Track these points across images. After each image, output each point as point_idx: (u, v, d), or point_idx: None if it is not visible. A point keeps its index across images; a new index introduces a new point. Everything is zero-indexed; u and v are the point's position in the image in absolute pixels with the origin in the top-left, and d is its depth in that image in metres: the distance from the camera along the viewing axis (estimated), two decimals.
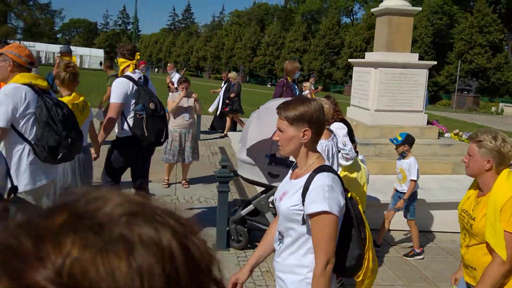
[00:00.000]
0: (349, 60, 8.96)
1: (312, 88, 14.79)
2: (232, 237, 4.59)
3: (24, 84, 3.06)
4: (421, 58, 39.51)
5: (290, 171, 2.13)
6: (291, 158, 2.20)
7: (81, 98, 3.95)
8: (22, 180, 3.04)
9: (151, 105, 4.35)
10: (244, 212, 4.52)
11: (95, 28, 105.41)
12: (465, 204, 2.47)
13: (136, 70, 4.71)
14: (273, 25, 64.17)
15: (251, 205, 4.53)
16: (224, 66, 62.15)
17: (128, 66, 4.69)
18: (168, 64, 11.55)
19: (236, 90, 11.19)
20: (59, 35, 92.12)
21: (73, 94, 3.88)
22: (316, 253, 1.85)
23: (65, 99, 3.77)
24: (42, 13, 66.37)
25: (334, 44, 52.67)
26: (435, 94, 42.81)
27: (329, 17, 55.47)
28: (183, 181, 6.78)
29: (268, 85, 53.98)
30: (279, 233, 2.02)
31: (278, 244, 2.03)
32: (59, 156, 3.11)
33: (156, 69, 71.90)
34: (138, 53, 5.72)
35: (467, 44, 38.13)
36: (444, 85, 39.60)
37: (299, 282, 1.92)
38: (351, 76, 38.39)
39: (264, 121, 4.11)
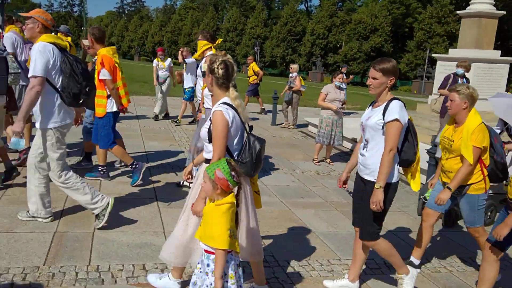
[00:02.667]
0: (433, 55, 10.52)
1: (344, 77, 16.28)
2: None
3: (50, 43, 3.79)
4: (381, 46, 41.22)
5: (370, 106, 3.32)
6: None
7: None
8: (52, 119, 3.84)
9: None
10: None
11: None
12: (445, 133, 3.76)
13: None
14: (232, 11, 64.59)
15: None
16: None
17: (210, 48, 5.94)
18: (185, 49, 10.44)
19: None
20: None
21: None
22: (385, 143, 3.05)
23: None
24: None
25: (295, 31, 54.29)
26: None
27: (290, 4, 56.84)
28: (328, 160, 8.08)
29: None
30: (366, 140, 3.24)
31: (363, 148, 3.26)
32: (81, 101, 3.97)
33: None
34: (221, 39, 7.01)
35: (427, 33, 41.44)
36: (404, 72, 42.74)
37: (376, 164, 3.12)
38: (314, 63, 39.32)
39: None
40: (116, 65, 5.21)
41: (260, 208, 3.29)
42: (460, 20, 9.68)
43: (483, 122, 3.58)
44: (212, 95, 3.03)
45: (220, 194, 2.46)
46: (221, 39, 6.99)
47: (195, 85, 7.48)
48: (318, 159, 7.99)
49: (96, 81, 5.12)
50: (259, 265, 3.24)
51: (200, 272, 2.52)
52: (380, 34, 44.26)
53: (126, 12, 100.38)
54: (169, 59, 10.99)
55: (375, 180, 3.12)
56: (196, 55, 6.28)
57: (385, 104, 3.14)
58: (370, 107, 3.34)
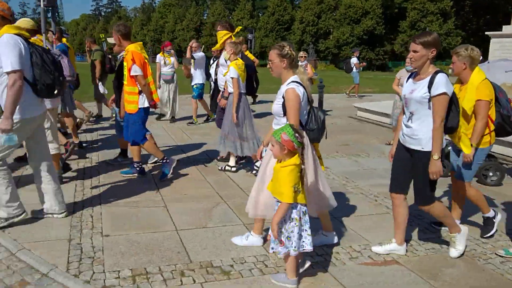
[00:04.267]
0: (487, 33, 10.74)
1: (357, 62, 16.35)
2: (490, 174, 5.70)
3: (15, 34, 3.54)
4: (373, 29, 41.92)
5: (412, 79, 3.39)
6: None
7: (242, 61, 5.65)
8: (23, 112, 3.58)
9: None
10: None
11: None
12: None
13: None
14: (216, 5, 64.32)
15: None
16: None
17: (230, 37, 6.18)
18: (194, 44, 9.37)
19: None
20: None
21: (239, 59, 5.62)
22: (435, 116, 3.15)
23: (234, 62, 5.53)
24: None
25: (283, 20, 54.41)
26: (383, 63, 46.58)
27: None
28: None
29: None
30: (410, 113, 3.31)
31: (408, 120, 3.35)
32: (55, 92, 3.75)
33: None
34: (240, 26, 7.16)
35: (420, 12, 41.99)
36: (399, 52, 43.33)
37: (422, 133, 3.26)
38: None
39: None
40: (146, 60, 5.12)
41: (324, 171, 3.67)
42: None
43: (486, 78, 3.82)
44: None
45: (287, 155, 2.87)
46: (240, 27, 7.13)
47: (215, 80, 7.00)
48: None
49: (126, 78, 5.10)
50: (327, 215, 3.71)
51: None
52: (372, 17, 44.68)
53: (103, 14, 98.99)
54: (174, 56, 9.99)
55: (422, 149, 3.27)
56: (218, 45, 6.43)
57: (429, 77, 3.21)
58: (411, 80, 3.41)
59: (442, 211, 3.53)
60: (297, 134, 2.85)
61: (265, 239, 3.66)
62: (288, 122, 3.18)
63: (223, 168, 5.98)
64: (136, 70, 4.99)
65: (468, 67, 3.78)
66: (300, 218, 2.95)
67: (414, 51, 3.24)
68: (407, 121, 3.37)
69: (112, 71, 8.96)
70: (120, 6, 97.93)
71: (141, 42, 5.32)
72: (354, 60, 16.13)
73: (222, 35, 6.15)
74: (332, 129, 9.69)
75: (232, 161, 5.95)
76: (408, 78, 3.45)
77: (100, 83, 9.45)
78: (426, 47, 3.18)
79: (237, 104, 5.63)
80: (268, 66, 3.44)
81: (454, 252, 3.64)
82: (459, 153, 3.99)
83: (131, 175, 5.54)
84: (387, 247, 3.68)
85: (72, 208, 4.37)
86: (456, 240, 3.63)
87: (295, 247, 2.93)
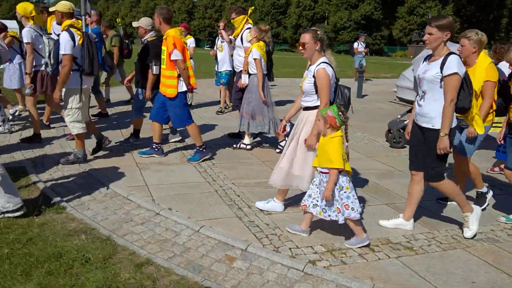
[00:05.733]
0: None
1: (357, 47, 15.84)
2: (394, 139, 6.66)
3: None
4: (371, 14, 42.01)
5: (426, 61, 3.49)
6: None
7: (263, 43, 5.89)
8: None
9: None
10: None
11: None
12: None
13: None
14: None
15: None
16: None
17: (246, 20, 6.36)
18: (222, 23, 8.61)
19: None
20: None
21: (261, 42, 5.88)
22: (446, 95, 3.26)
23: (256, 44, 5.78)
24: None
25: (279, 4, 54.14)
26: (379, 48, 46.86)
27: None
28: None
29: (205, 47, 53.87)
30: (423, 92, 3.42)
31: (420, 99, 3.45)
32: None
33: None
34: (252, 7, 7.35)
35: None
36: (398, 38, 43.61)
37: (433, 112, 3.38)
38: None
39: None
40: (185, 45, 5.20)
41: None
42: None
43: (492, 61, 4.07)
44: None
45: (329, 129, 3.29)
46: (252, 7, 7.33)
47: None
48: None
49: (165, 62, 5.14)
50: None
51: (316, 187, 3.35)
52: (370, 2, 44.81)
53: None
54: (191, 38, 9.23)
55: (433, 127, 3.37)
56: (238, 30, 6.53)
57: (442, 58, 3.31)
58: (426, 62, 3.52)
59: (452, 189, 3.60)
60: (340, 113, 3.27)
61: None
62: (319, 99, 3.61)
63: (237, 146, 6.13)
64: (177, 55, 5.08)
65: (477, 50, 3.99)
66: (349, 185, 3.29)
67: (430, 34, 3.35)
68: (420, 100, 3.49)
69: (129, 56, 9.06)
70: None
71: (181, 28, 5.38)
72: (355, 44, 15.95)
73: (240, 20, 6.36)
74: (383, 114, 9.89)
75: (247, 140, 6.15)
76: (424, 61, 3.56)
77: (116, 71, 9.03)
78: (441, 29, 3.29)
79: (262, 83, 5.79)
80: (299, 48, 3.68)
81: (467, 232, 3.66)
82: (461, 130, 4.11)
83: (148, 155, 5.54)
84: (394, 221, 3.78)
85: (213, 188, 4.50)
86: (469, 220, 3.64)
87: (356, 211, 3.26)
